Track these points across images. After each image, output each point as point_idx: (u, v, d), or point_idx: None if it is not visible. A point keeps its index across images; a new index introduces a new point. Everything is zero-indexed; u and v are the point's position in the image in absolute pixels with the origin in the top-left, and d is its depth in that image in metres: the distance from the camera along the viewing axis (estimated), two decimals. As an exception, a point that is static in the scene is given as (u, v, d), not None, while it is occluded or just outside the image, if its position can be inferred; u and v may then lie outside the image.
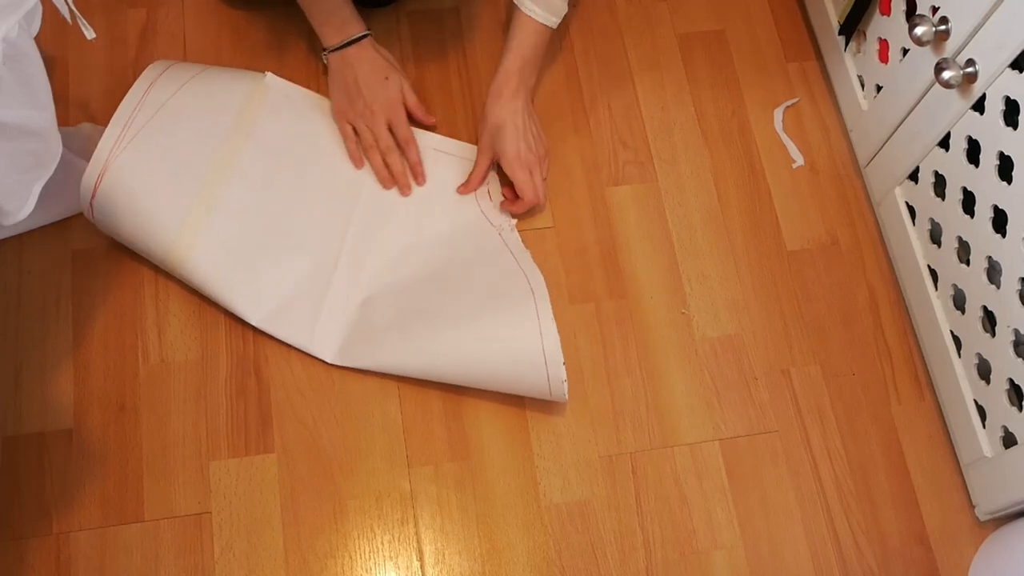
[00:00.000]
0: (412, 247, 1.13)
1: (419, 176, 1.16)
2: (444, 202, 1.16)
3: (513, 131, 1.12)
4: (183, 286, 1.10)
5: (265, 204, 1.10)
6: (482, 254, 1.12)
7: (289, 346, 1.08)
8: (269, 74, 1.17)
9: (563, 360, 1.00)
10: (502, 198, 1.17)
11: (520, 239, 1.14)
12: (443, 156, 1.19)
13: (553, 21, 1.13)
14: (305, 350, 1.07)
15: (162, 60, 1.14)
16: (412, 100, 1.16)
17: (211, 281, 1.05)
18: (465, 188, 1.16)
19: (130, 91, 1.08)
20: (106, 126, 1.16)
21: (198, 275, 1.05)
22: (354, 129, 1.14)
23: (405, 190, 1.15)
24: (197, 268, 1.05)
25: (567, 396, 1.02)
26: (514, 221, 1.16)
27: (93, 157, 1.04)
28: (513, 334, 1.02)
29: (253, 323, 1.07)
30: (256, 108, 1.13)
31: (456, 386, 1.08)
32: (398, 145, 1.15)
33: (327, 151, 1.15)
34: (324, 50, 1.14)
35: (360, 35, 1.13)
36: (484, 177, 1.16)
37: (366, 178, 1.15)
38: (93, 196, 1.03)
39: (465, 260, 1.12)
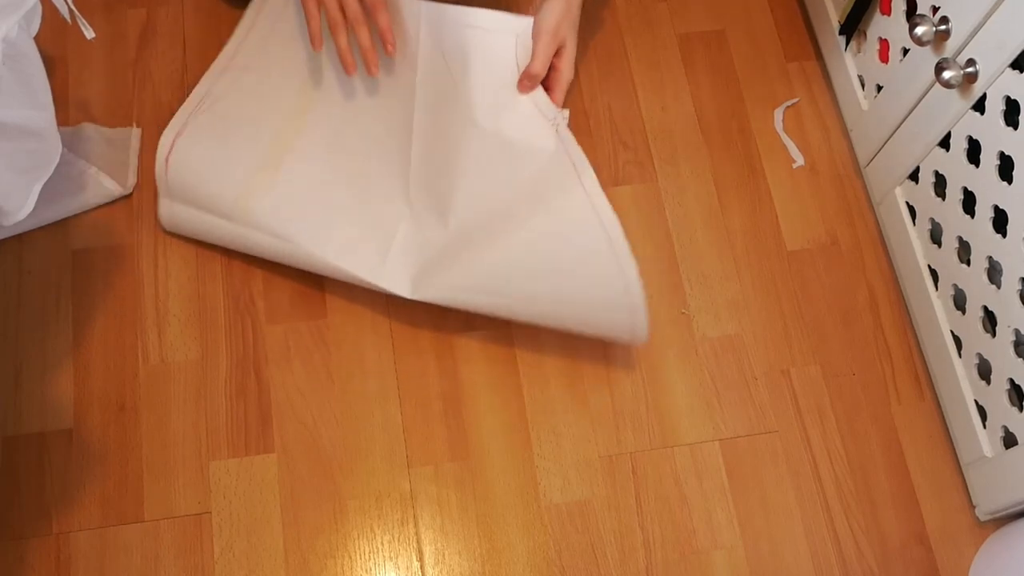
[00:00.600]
0: (476, 164, 1.05)
1: (388, 44, 1.03)
2: (493, 97, 1.05)
3: (555, 9, 1.02)
4: (183, 285, 1.10)
5: (334, 146, 1.10)
6: (545, 174, 1.03)
7: (288, 345, 1.08)
8: None
9: (644, 299, 1.00)
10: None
11: (570, 133, 1.04)
12: (479, 33, 1.05)
13: None
14: (377, 285, 1.05)
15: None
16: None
17: (283, 224, 1.06)
18: (526, 84, 1.05)
19: (227, 45, 1.14)
20: (106, 126, 1.17)
21: (269, 219, 1.06)
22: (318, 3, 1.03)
23: (373, 68, 1.04)
24: (268, 212, 1.06)
25: (647, 336, 1.03)
26: (566, 112, 1.08)
27: (175, 116, 1.09)
28: (593, 271, 1.00)
29: (327, 257, 1.05)
30: (324, 52, 1.10)
31: (455, 384, 1.08)
32: (365, 12, 1.02)
33: (378, 81, 1.09)
34: None
35: None
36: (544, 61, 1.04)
37: (417, 93, 1.07)
38: (170, 151, 1.07)
39: (531, 179, 1.04)
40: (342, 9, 1.01)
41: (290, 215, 1.06)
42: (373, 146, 1.11)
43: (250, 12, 1.16)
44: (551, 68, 1.05)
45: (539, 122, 1.05)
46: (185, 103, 1.11)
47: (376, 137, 1.11)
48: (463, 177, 1.05)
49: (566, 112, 1.08)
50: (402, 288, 1.05)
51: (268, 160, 1.08)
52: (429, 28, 1.06)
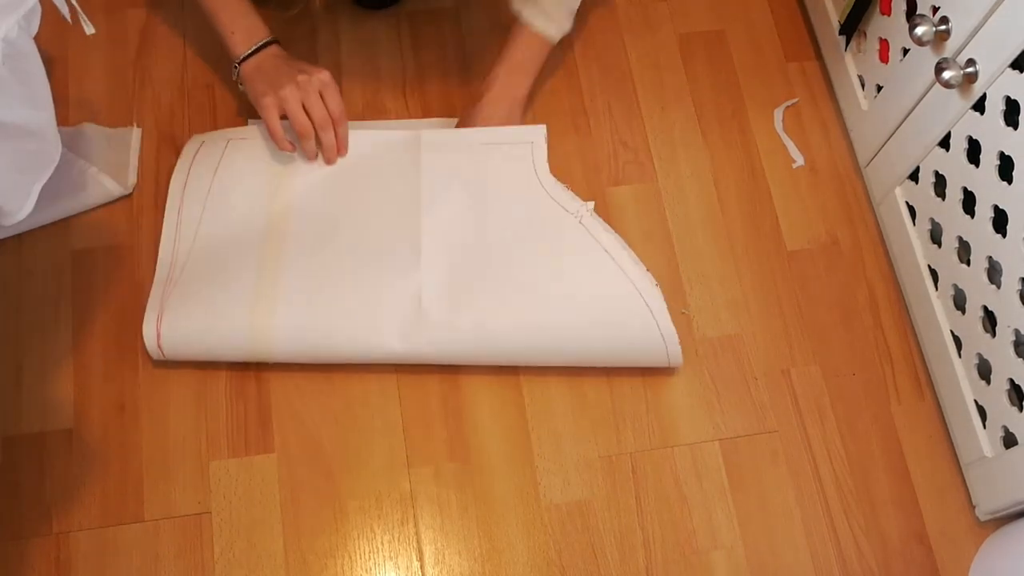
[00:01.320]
0: (492, 252, 1.09)
1: (342, 148, 1.11)
2: (513, 199, 1.12)
3: (485, 120, 1.12)
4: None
5: (327, 259, 1.07)
6: (567, 245, 1.10)
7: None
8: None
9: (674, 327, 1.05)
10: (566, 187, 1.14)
11: (601, 221, 1.11)
12: (495, 149, 1.13)
13: (551, 33, 1.12)
14: (414, 360, 1.05)
15: (191, 143, 1.13)
16: (331, 89, 1.08)
17: (303, 352, 1.04)
18: None
19: (164, 222, 1.09)
20: (106, 126, 1.17)
21: (287, 353, 1.04)
22: (283, 117, 1.08)
23: (332, 161, 1.11)
24: (284, 349, 1.03)
25: (681, 359, 1.07)
26: (591, 204, 1.12)
27: (148, 304, 1.04)
28: (622, 314, 1.05)
29: (352, 362, 1.05)
30: (286, 174, 1.11)
31: (455, 384, 1.08)
32: (332, 120, 1.09)
33: (371, 184, 1.12)
34: (235, 65, 1.09)
35: (270, 39, 1.09)
36: None
37: (421, 194, 1.10)
38: (159, 338, 1.02)
39: (551, 251, 1.09)
40: (308, 115, 1.07)
41: (303, 337, 1.03)
42: (370, 251, 1.08)
43: (179, 173, 1.12)
44: None
45: (561, 216, 1.11)
46: (153, 286, 1.06)
47: (372, 251, 1.08)
48: (490, 273, 1.08)
49: (590, 204, 1.13)
50: (431, 357, 1.05)
51: (260, 298, 1.04)
52: (434, 148, 1.13)
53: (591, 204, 1.12)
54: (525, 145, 1.14)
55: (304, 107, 1.07)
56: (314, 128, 1.08)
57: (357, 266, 1.06)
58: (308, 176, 1.12)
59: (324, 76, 1.07)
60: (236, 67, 1.09)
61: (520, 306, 1.05)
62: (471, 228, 1.09)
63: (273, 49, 1.10)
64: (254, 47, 1.08)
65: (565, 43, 1.28)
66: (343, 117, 1.10)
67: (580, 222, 1.10)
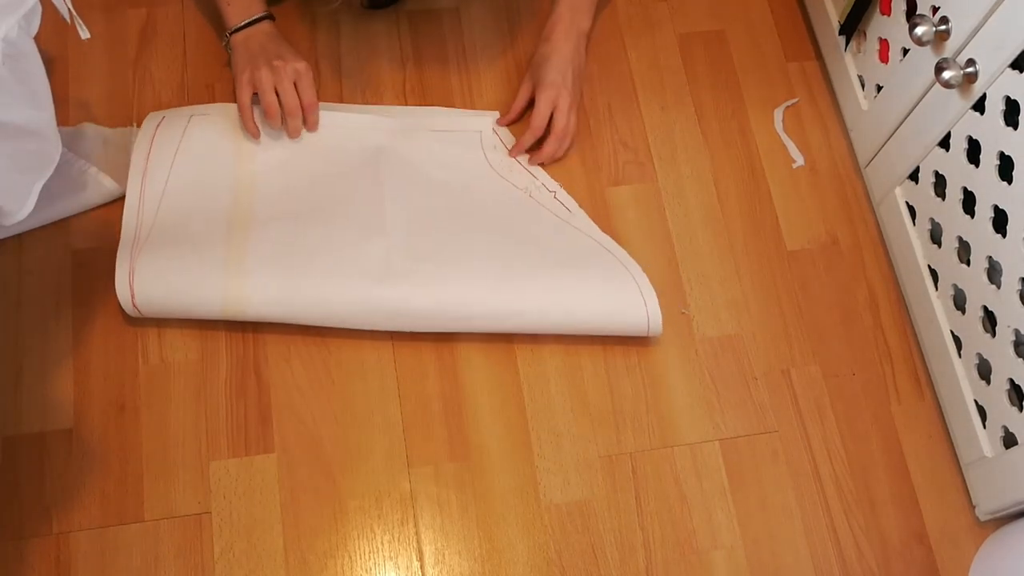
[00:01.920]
0: (463, 231, 1.12)
1: (311, 127, 1.14)
2: (464, 180, 1.16)
3: (557, 61, 1.14)
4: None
5: (295, 227, 1.08)
6: (521, 216, 1.14)
7: (288, 345, 1.08)
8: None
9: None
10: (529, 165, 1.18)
11: (551, 196, 1.16)
12: (444, 136, 1.18)
13: None
14: (383, 327, 1.07)
15: (150, 117, 1.14)
16: (306, 80, 1.12)
17: (276, 311, 1.04)
18: (503, 119, 1.19)
19: (128, 188, 1.09)
20: (106, 126, 1.17)
21: (260, 312, 1.04)
22: (256, 94, 1.11)
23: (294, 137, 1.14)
24: (257, 308, 1.04)
25: (661, 330, 1.09)
26: (539, 182, 1.17)
27: (117, 263, 1.04)
28: (609, 284, 1.09)
29: (332, 324, 1.06)
30: (248, 148, 1.13)
31: (455, 384, 1.08)
32: (302, 108, 1.12)
33: (336, 160, 1.14)
34: (227, 33, 1.13)
35: (266, 15, 1.13)
36: (522, 107, 1.18)
37: (380, 172, 1.14)
38: (133, 295, 1.03)
39: (509, 220, 1.13)
40: (279, 98, 1.10)
41: (278, 303, 1.04)
42: (337, 223, 1.10)
43: (141, 143, 1.12)
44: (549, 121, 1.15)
45: (514, 193, 1.16)
46: (120, 247, 1.06)
47: (339, 217, 1.10)
48: (451, 238, 1.11)
49: (540, 182, 1.17)
50: (408, 324, 1.07)
51: (232, 258, 1.05)
52: (391, 135, 1.17)
53: (539, 182, 1.17)
54: (474, 133, 1.19)
55: (276, 91, 1.10)
56: (282, 113, 1.11)
57: (326, 230, 1.08)
58: (272, 150, 1.14)
59: (300, 66, 1.11)
60: (227, 35, 1.13)
61: (487, 263, 1.08)
62: (430, 203, 1.13)
63: (264, 25, 1.13)
64: (247, 20, 1.12)
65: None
66: (313, 106, 1.13)
67: (530, 195, 1.15)
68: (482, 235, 1.11)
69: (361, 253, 1.07)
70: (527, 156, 1.18)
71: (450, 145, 1.18)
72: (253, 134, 1.12)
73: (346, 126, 1.16)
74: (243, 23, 1.12)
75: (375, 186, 1.13)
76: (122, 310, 1.05)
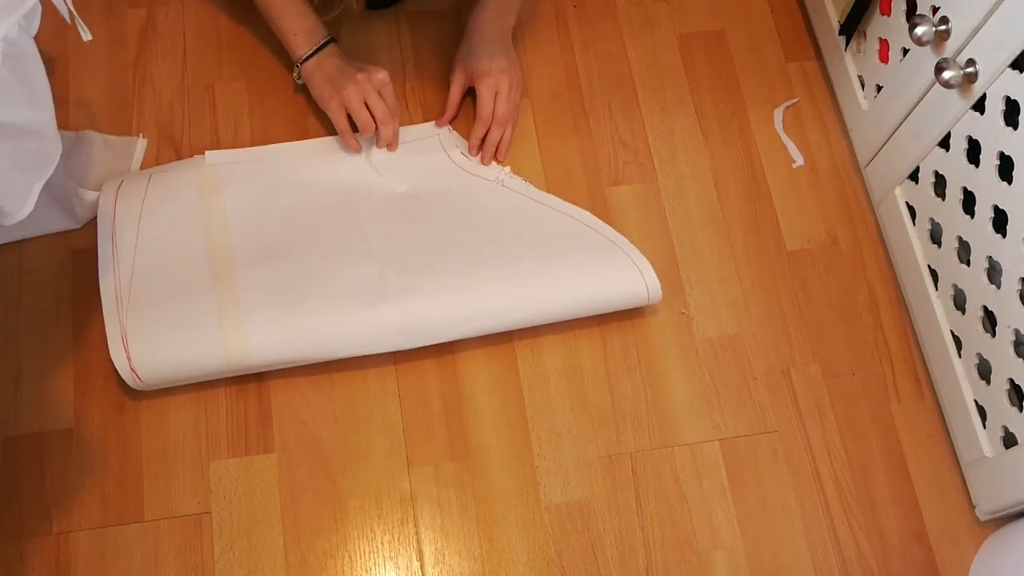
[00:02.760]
0: (436, 238, 1.12)
1: (395, 142, 1.17)
2: (436, 185, 1.16)
3: (488, 50, 1.16)
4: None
5: (280, 264, 1.07)
6: (500, 208, 1.15)
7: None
8: (208, 153, 1.14)
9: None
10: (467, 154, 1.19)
11: (522, 180, 1.18)
12: (408, 146, 1.19)
13: None
14: (394, 348, 1.06)
15: (107, 185, 1.11)
16: (388, 88, 1.14)
17: (281, 354, 1.03)
18: (442, 120, 1.20)
19: (99, 247, 1.07)
20: (106, 127, 1.17)
21: (266, 359, 1.03)
22: (347, 113, 1.13)
23: (392, 149, 1.17)
24: (262, 356, 1.02)
25: (661, 295, 1.10)
26: (507, 168, 1.18)
27: (108, 335, 1.01)
28: (602, 262, 1.10)
29: (340, 356, 1.05)
30: (213, 193, 1.12)
31: (455, 384, 1.08)
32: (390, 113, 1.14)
33: (304, 194, 1.14)
34: (296, 64, 1.14)
35: (329, 39, 1.14)
36: (458, 100, 1.19)
37: (354, 193, 1.14)
38: (130, 363, 1.00)
39: (484, 221, 1.14)
40: (369, 108, 1.13)
41: (281, 346, 1.03)
42: (320, 252, 1.09)
43: (104, 206, 1.09)
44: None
45: (484, 185, 1.17)
46: (105, 316, 1.03)
47: (321, 246, 1.10)
48: (435, 241, 1.12)
49: (507, 169, 1.19)
50: (413, 340, 1.06)
51: (228, 317, 1.03)
52: (354, 157, 1.17)
53: (507, 168, 1.18)
54: (432, 138, 1.20)
55: (366, 104, 1.12)
56: (375, 123, 1.13)
57: (311, 265, 1.08)
58: (236, 187, 1.13)
59: (383, 75, 1.12)
60: (297, 66, 1.15)
61: (479, 263, 1.09)
62: (408, 216, 1.14)
63: (331, 48, 1.14)
64: (315, 48, 1.13)
65: (565, 44, 1.28)
66: (397, 113, 1.15)
67: (503, 185, 1.16)
68: (467, 235, 1.12)
69: (353, 280, 1.06)
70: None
71: (413, 155, 1.18)
72: (356, 150, 1.15)
73: (310, 155, 1.16)
74: (312, 51, 1.13)
75: (349, 210, 1.13)
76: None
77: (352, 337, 1.04)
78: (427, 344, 1.06)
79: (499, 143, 1.18)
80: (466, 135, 1.20)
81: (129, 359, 1.00)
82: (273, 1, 1.13)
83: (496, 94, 1.15)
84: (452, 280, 1.07)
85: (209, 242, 1.08)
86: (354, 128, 1.15)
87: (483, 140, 1.18)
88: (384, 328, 1.05)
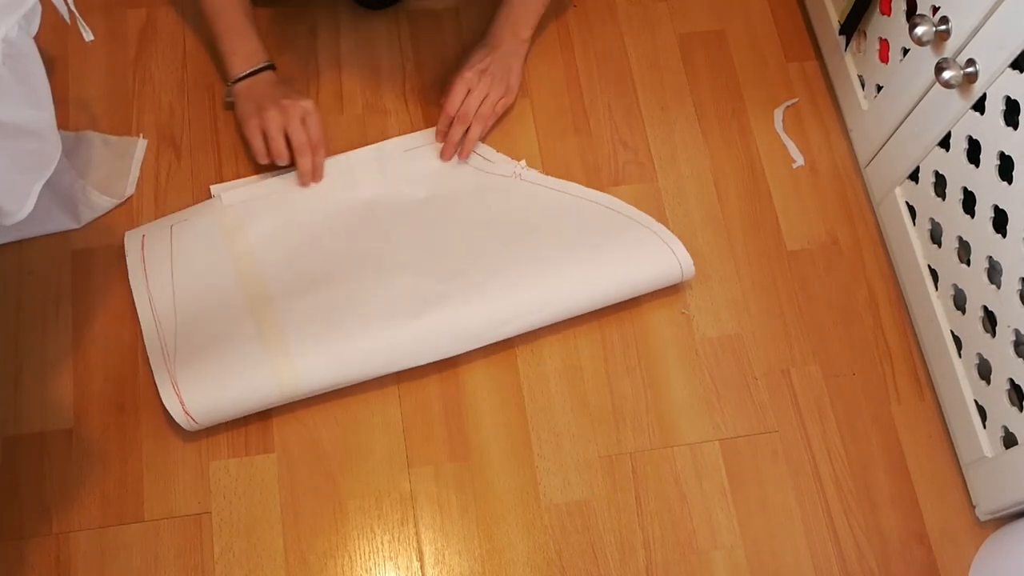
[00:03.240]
0: (466, 238, 1.13)
1: (318, 174, 1.13)
2: (454, 187, 1.16)
3: (482, 52, 1.16)
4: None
5: (317, 291, 1.07)
6: (519, 205, 1.15)
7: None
8: (222, 194, 1.13)
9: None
10: (485, 154, 1.19)
11: (538, 172, 1.18)
12: (417, 152, 1.18)
13: None
14: (444, 355, 1.06)
15: (129, 240, 1.11)
16: (313, 118, 1.12)
17: (332, 379, 1.03)
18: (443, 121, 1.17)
19: (137, 305, 1.07)
20: (106, 127, 1.17)
21: (317, 385, 1.03)
22: (264, 138, 1.11)
23: (305, 184, 1.13)
24: (313, 379, 1.03)
25: (694, 270, 1.11)
26: (523, 162, 1.18)
27: (157, 380, 1.02)
28: (632, 244, 1.11)
29: (390, 371, 1.05)
30: (236, 233, 1.11)
31: (455, 384, 1.08)
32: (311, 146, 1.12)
33: (326, 215, 1.13)
34: (229, 83, 1.14)
35: (267, 64, 1.14)
36: (456, 98, 1.15)
37: (375, 206, 1.13)
38: (183, 407, 1.00)
39: (513, 212, 1.14)
40: (288, 135, 1.11)
41: (331, 371, 1.03)
42: (352, 273, 1.09)
43: (133, 264, 1.10)
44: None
45: (504, 182, 1.17)
46: (152, 362, 1.04)
47: (352, 266, 1.10)
48: (467, 243, 1.12)
49: (523, 161, 1.19)
50: (460, 346, 1.06)
51: (274, 351, 1.03)
52: (368, 170, 1.16)
53: (523, 161, 1.18)
54: (432, 145, 1.19)
55: (285, 131, 1.11)
56: (291, 152, 1.11)
57: (347, 287, 1.07)
58: (260, 221, 1.12)
59: (307, 104, 1.12)
60: (229, 86, 1.14)
61: (513, 259, 1.09)
62: (433, 222, 1.13)
63: (267, 74, 1.14)
64: (251, 70, 1.13)
65: (565, 44, 1.28)
66: (321, 145, 1.13)
67: (521, 179, 1.17)
68: (494, 234, 1.12)
69: (391, 296, 1.06)
70: (490, 149, 1.19)
71: (425, 160, 1.17)
72: (265, 162, 1.12)
73: (328, 172, 1.15)
74: (247, 72, 1.13)
75: (373, 224, 1.12)
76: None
77: (400, 351, 1.04)
78: (475, 347, 1.07)
79: (463, 142, 1.16)
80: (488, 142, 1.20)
81: (182, 403, 1.00)
82: (219, 14, 1.12)
83: (468, 92, 1.14)
84: (490, 281, 1.07)
85: (242, 281, 1.08)
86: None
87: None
88: (430, 338, 1.05)
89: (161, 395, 1.01)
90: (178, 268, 1.09)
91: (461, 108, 1.14)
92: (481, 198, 1.15)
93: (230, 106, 1.17)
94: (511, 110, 1.21)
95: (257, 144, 1.11)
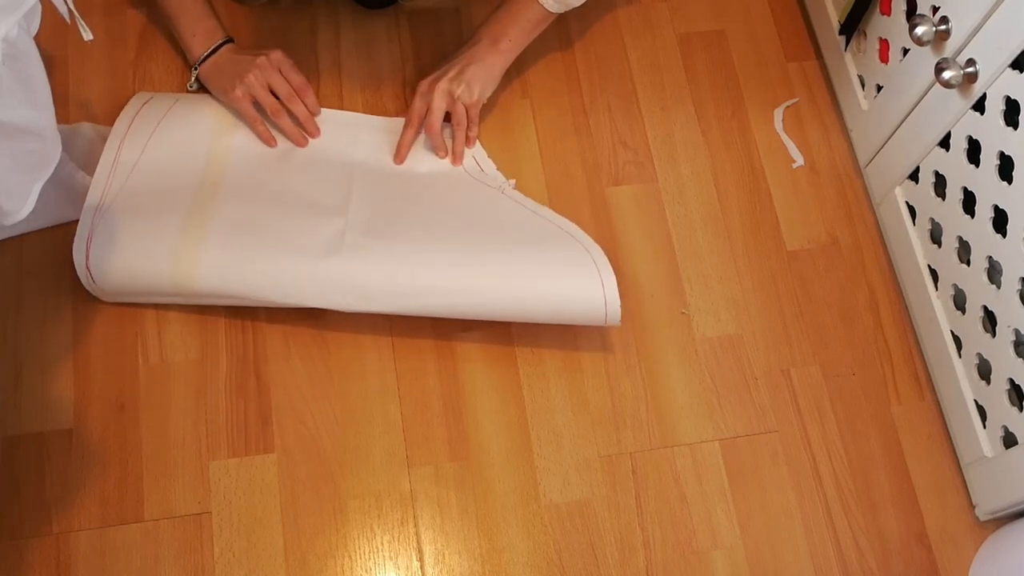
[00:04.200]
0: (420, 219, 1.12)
1: (314, 114, 1.15)
2: (436, 177, 1.16)
3: (455, 59, 1.15)
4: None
5: (258, 206, 1.09)
6: (493, 211, 1.14)
7: (288, 345, 1.08)
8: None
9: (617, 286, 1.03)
10: (483, 164, 1.19)
11: (521, 196, 1.16)
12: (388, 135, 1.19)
13: (552, 4, 1.13)
14: (334, 307, 1.04)
15: (136, 98, 1.15)
16: (287, 64, 1.13)
17: (225, 285, 1.03)
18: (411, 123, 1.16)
19: (103, 153, 1.10)
20: (105, 125, 1.17)
21: (211, 285, 1.03)
22: (252, 102, 1.12)
23: (301, 141, 1.14)
24: (207, 279, 1.03)
25: (619, 320, 1.04)
26: (513, 182, 1.17)
27: (77, 232, 1.05)
28: (566, 266, 1.06)
29: (278, 302, 1.04)
30: (226, 132, 1.14)
31: (455, 384, 1.08)
32: (296, 92, 1.13)
33: (307, 155, 1.15)
34: (193, 66, 1.15)
35: (227, 39, 1.15)
36: (419, 115, 1.15)
37: (355, 168, 1.15)
38: (88, 263, 1.03)
39: (478, 211, 1.13)
40: (274, 94, 1.12)
41: (228, 275, 1.03)
42: (300, 205, 1.10)
43: (124, 118, 1.14)
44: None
45: (483, 190, 1.16)
46: (82, 214, 1.07)
47: (304, 201, 1.10)
48: (413, 211, 1.12)
49: (512, 182, 1.18)
50: (360, 303, 1.04)
51: (189, 235, 1.04)
52: (371, 132, 1.18)
53: (512, 181, 1.17)
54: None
55: (270, 87, 1.12)
56: (282, 104, 1.13)
57: (285, 211, 1.08)
58: (247, 137, 1.15)
59: (277, 54, 1.12)
60: (195, 68, 1.15)
61: (443, 245, 1.07)
62: (397, 193, 1.14)
63: (228, 47, 1.15)
64: (212, 47, 1.14)
65: (565, 45, 1.28)
66: (306, 87, 1.14)
67: (502, 193, 1.16)
68: (438, 218, 1.11)
69: (316, 231, 1.06)
70: (488, 161, 1.19)
71: (423, 146, 1.19)
72: (268, 141, 1.14)
73: (325, 122, 1.17)
74: (209, 51, 1.14)
75: (343, 176, 1.13)
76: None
77: (294, 284, 1.03)
78: (365, 310, 1.03)
79: (453, 149, 1.17)
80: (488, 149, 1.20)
81: (87, 258, 1.03)
82: (170, 1, 1.13)
83: (429, 108, 1.13)
84: (411, 254, 1.05)
85: (206, 174, 1.11)
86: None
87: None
88: (327, 282, 1.03)
89: (74, 246, 1.04)
90: (157, 136, 1.12)
91: (428, 122, 1.14)
92: (453, 192, 1.15)
93: (200, 90, 1.17)
94: (500, 117, 1.21)
95: (249, 110, 1.12)
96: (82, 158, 1.12)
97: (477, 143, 1.19)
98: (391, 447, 1.05)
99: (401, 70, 1.24)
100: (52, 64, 1.20)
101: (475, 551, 1.02)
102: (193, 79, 1.16)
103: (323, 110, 1.18)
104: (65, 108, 1.18)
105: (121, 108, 1.19)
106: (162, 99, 1.17)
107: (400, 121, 1.18)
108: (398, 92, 1.23)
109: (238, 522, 1.01)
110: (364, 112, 1.21)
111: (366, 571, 1.01)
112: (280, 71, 1.12)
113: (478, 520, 1.03)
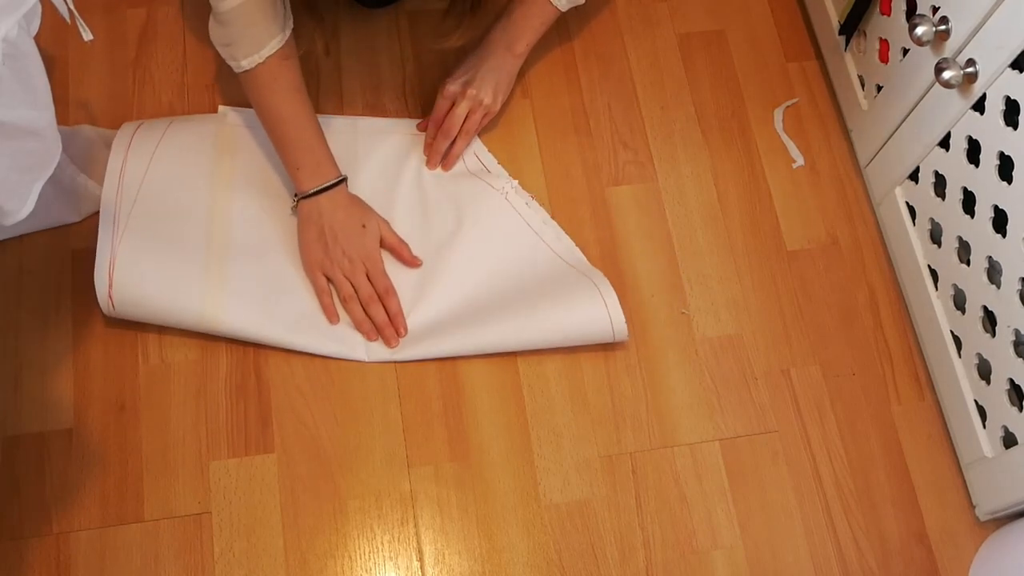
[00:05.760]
0: (434, 242, 1.13)
1: (400, 327, 1.08)
2: (437, 177, 1.17)
3: (468, 65, 1.15)
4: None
5: (274, 235, 1.10)
6: (493, 224, 1.14)
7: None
8: (228, 111, 1.16)
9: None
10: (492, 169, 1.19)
11: (527, 197, 1.17)
12: (417, 139, 1.19)
13: (563, 3, 1.13)
14: (350, 357, 1.08)
15: (126, 126, 1.13)
16: (393, 240, 1.10)
17: (250, 326, 1.05)
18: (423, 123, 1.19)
19: (106, 177, 1.09)
20: (105, 127, 1.17)
21: (236, 326, 1.05)
22: (328, 279, 1.08)
23: (392, 341, 1.07)
24: (233, 320, 1.04)
25: (627, 335, 1.08)
26: (515, 182, 1.17)
27: (97, 259, 1.04)
28: (576, 301, 1.08)
29: (299, 348, 1.07)
30: (227, 151, 1.13)
31: (455, 384, 1.08)
32: (378, 295, 1.08)
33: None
34: (296, 196, 1.07)
35: (337, 180, 1.07)
36: (439, 112, 1.16)
37: (362, 187, 1.14)
38: (110, 289, 1.03)
39: (488, 240, 1.13)
40: (354, 287, 1.08)
41: (252, 319, 1.05)
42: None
43: (116, 152, 1.11)
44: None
45: (491, 196, 1.16)
46: (100, 234, 1.05)
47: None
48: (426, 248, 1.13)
49: (515, 182, 1.18)
50: (382, 353, 1.08)
51: (211, 276, 1.06)
52: (372, 140, 1.18)
53: (516, 182, 1.17)
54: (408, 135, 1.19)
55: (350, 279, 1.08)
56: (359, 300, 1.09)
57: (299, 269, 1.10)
58: (248, 156, 1.14)
59: (370, 247, 1.08)
60: (295, 198, 1.08)
61: (457, 298, 1.10)
62: (409, 212, 1.15)
63: (336, 192, 1.07)
64: (319, 187, 1.06)
65: (565, 45, 1.28)
66: (390, 292, 1.08)
67: (505, 198, 1.16)
68: (457, 262, 1.11)
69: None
70: (492, 159, 1.19)
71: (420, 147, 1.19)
72: (331, 318, 1.08)
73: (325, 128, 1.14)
74: (314, 190, 1.06)
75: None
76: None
77: (320, 332, 1.07)
78: (396, 360, 1.08)
79: (447, 154, 1.17)
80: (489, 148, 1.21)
81: (110, 286, 1.03)
82: (277, 124, 1.05)
83: (453, 105, 1.14)
84: (438, 300, 1.09)
85: (212, 195, 1.10)
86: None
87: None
88: (358, 337, 1.08)
89: (95, 272, 1.03)
90: (158, 157, 1.11)
91: (445, 123, 1.14)
92: (458, 204, 1.15)
93: (294, 211, 1.10)
94: (500, 117, 1.21)
95: (320, 282, 1.07)
96: (82, 160, 1.12)
97: (477, 139, 1.19)
98: (391, 447, 1.05)
99: (401, 70, 1.24)
100: (52, 64, 1.20)
101: (475, 551, 1.02)
102: (293, 205, 1.09)
103: (330, 117, 1.18)
104: (65, 108, 1.18)
105: (121, 108, 1.19)
106: (154, 123, 1.14)
107: (400, 122, 1.19)
108: (398, 92, 1.23)
109: (238, 522, 1.01)
110: (364, 113, 1.21)
111: (366, 571, 1.01)
112: (368, 274, 1.07)
113: (478, 520, 1.03)
